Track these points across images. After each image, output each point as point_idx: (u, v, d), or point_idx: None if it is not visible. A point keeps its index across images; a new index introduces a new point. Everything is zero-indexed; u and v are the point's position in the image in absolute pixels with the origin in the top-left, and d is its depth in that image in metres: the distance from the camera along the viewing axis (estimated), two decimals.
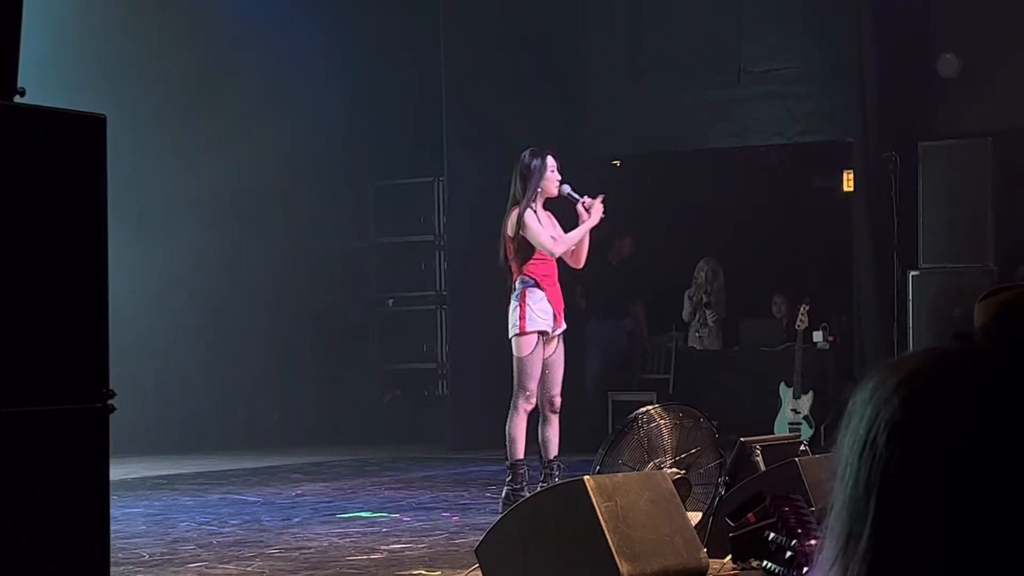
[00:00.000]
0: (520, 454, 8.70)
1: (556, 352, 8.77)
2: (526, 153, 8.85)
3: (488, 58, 13.75)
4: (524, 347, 8.61)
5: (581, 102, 14.62)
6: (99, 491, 4.09)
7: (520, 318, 8.62)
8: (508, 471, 8.75)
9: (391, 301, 15.90)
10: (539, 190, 8.70)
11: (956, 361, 1.23)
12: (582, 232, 8.77)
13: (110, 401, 4.11)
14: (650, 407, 7.82)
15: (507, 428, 8.70)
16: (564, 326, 8.81)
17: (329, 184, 15.39)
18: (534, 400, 8.66)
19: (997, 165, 11.76)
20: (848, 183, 13.68)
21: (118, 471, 10.70)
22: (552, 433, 8.76)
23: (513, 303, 8.71)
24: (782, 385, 12.68)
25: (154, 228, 13.52)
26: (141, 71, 13.30)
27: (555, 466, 8.74)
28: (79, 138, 4.11)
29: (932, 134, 12.35)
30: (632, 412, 7.62)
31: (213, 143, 13.91)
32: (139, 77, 13.22)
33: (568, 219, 9.00)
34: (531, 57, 13.98)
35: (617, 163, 15.49)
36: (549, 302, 8.69)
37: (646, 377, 14.34)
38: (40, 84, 4.36)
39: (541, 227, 8.67)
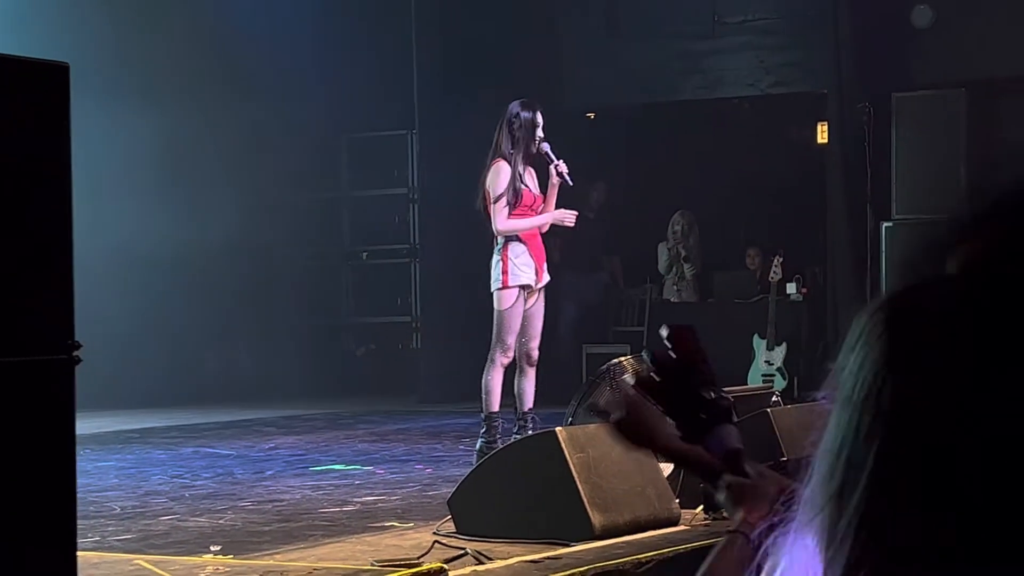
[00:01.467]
0: (495, 407, 8.68)
1: (536, 305, 8.71)
2: (515, 104, 8.71)
3: (461, 11, 13.67)
4: (505, 301, 8.56)
5: (556, 54, 14.56)
6: (65, 443, 4.06)
7: (503, 272, 8.56)
8: (483, 423, 8.72)
9: (365, 254, 15.86)
10: (524, 144, 8.56)
11: (942, 293, 1.19)
12: (533, 223, 8.64)
13: (76, 352, 4.08)
14: (622, 358, 7.83)
15: (483, 380, 8.67)
16: (547, 279, 8.75)
17: (302, 136, 15.31)
18: (512, 354, 8.62)
19: (970, 115, 11.76)
20: (822, 135, 13.67)
21: (91, 425, 10.72)
22: (528, 385, 8.73)
23: (495, 257, 8.63)
24: (755, 337, 12.70)
25: (125, 180, 13.43)
26: (104, 22, 13.15)
27: (529, 418, 8.71)
28: (42, 87, 4.06)
29: (906, 85, 12.34)
30: (605, 364, 7.62)
31: (184, 96, 13.81)
32: (101, 30, 13.07)
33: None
34: (505, 9, 13.90)
35: (591, 115, 15.44)
36: (531, 255, 8.62)
37: (620, 330, 14.35)
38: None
39: (498, 188, 8.55)
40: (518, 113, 8.62)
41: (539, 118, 8.63)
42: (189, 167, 14.02)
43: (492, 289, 8.64)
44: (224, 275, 14.55)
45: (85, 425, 9.78)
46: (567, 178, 8.63)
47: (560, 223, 8.69)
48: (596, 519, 6.08)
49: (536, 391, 8.86)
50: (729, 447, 1.82)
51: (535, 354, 8.72)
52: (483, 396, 8.66)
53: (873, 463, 1.13)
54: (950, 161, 11.64)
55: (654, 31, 14.18)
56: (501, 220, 8.55)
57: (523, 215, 8.59)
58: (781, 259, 12.72)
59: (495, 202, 8.51)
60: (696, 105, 14.56)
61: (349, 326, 15.93)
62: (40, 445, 4.00)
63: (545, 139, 8.65)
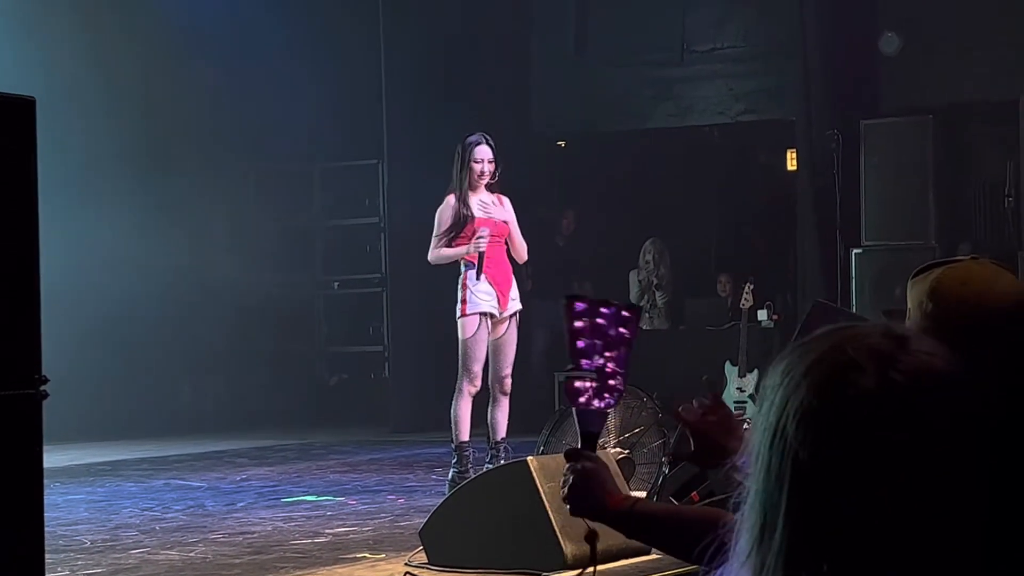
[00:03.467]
0: (465, 436, 8.67)
1: (507, 333, 8.72)
2: (467, 136, 8.86)
3: (431, 39, 13.69)
4: (466, 330, 8.61)
5: (526, 82, 14.59)
6: (33, 477, 4.03)
7: (461, 301, 8.65)
8: (454, 453, 8.72)
9: (336, 284, 15.83)
10: (467, 179, 8.68)
11: (865, 344, 1.21)
12: (452, 255, 8.73)
13: (43, 387, 4.06)
14: None
15: (452, 410, 8.67)
16: (515, 307, 8.77)
17: (274, 165, 15.29)
18: (479, 382, 8.64)
19: (938, 142, 11.83)
20: (791, 162, 13.73)
21: (61, 458, 10.66)
22: (501, 415, 8.73)
23: (458, 286, 8.74)
24: (727, 364, 12.71)
25: (95, 210, 13.39)
26: (79, 55, 13.13)
27: (501, 448, 8.72)
28: (8, 121, 4.04)
29: (874, 112, 12.41)
30: None
31: (155, 127, 13.78)
32: (76, 60, 13.05)
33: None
34: (475, 37, 13.93)
35: (562, 143, 15.48)
36: (490, 283, 8.67)
37: None
38: None
39: (443, 222, 8.68)
40: (466, 144, 8.74)
41: (478, 152, 8.70)
42: (160, 197, 13.97)
43: (456, 317, 8.71)
44: (195, 305, 14.51)
45: (55, 458, 9.74)
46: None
47: (477, 249, 8.70)
48: (568, 549, 6.06)
49: (508, 420, 8.87)
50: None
51: (508, 383, 8.72)
52: (452, 426, 8.66)
53: (787, 503, 1.15)
54: (919, 187, 11.70)
55: (624, 59, 14.23)
56: (433, 250, 8.76)
57: (487, 242, 8.68)
58: (752, 286, 12.74)
59: (434, 234, 8.69)
60: (666, 133, 14.61)
61: (321, 355, 15.89)
62: (7, 480, 3.97)
63: (496, 167, 8.73)
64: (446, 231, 8.68)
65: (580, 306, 1.94)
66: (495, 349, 8.68)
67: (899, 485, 1.13)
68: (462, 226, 8.65)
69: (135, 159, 13.63)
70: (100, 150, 13.37)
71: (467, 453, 8.67)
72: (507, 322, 8.72)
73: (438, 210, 8.76)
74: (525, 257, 9.05)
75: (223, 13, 13.90)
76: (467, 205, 8.66)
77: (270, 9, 14.21)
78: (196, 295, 14.46)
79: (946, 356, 1.23)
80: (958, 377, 1.20)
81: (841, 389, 1.17)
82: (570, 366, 1.96)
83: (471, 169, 8.68)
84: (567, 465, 2.00)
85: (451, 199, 8.71)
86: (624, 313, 1.97)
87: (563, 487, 2.01)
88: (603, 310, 1.95)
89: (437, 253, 8.77)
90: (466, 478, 8.46)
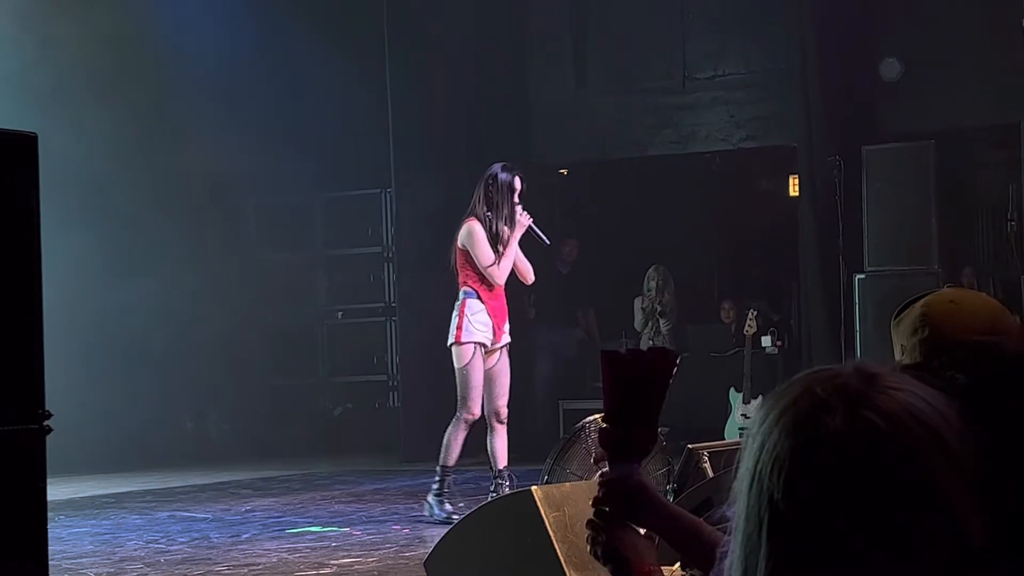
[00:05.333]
0: (452, 461, 8.86)
1: (499, 363, 8.82)
2: (496, 166, 8.90)
3: (433, 67, 13.72)
4: (462, 358, 8.69)
5: (527, 110, 14.62)
6: (36, 514, 4.03)
7: (456, 328, 8.71)
8: (437, 473, 8.92)
9: (340, 313, 15.84)
10: (503, 206, 8.69)
11: (834, 384, 1.21)
12: (512, 248, 8.74)
13: (46, 423, 4.06)
14: (598, 415, 7.81)
15: (445, 434, 8.88)
16: (506, 340, 8.83)
17: (277, 195, 15.32)
18: (477, 411, 8.72)
19: (940, 168, 11.84)
20: (793, 188, 13.74)
21: (65, 490, 10.65)
22: (500, 443, 8.79)
23: (454, 312, 8.79)
24: (731, 390, 12.71)
25: (99, 241, 13.39)
26: (80, 89, 13.16)
27: (505, 475, 8.77)
28: (10, 157, 4.06)
29: (875, 137, 12.43)
30: (580, 421, 7.61)
31: (158, 154, 13.81)
32: (78, 93, 13.08)
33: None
34: (477, 66, 13.97)
35: (564, 171, 15.50)
36: (489, 314, 8.74)
37: (597, 385, 14.30)
38: None
39: (483, 242, 8.67)
40: (496, 175, 8.76)
41: (517, 183, 8.76)
42: (164, 228, 13.99)
43: (448, 344, 8.75)
44: (199, 334, 14.51)
45: (59, 490, 9.74)
46: (543, 239, 8.81)
47: (523, 229, 8.72)
48: None
49: (511, 447, 8.92)
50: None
51: (504, 412, 8.81)
52: (442, 449, 8.86)
53: (767, 546, 1.15)
54: (921, 213, 11.70)
55: (625, 86, 14.26)
56: (495, 269, 8.67)
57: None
58: (756, 312, 12.75)
59: (488, 267, 8.61)
60: (668, 160, 14.63)
61: (325, 385, 15.88)
62: (10, 515, 3.97)
63: (523, 206, 8.76)
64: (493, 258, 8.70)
65: (615, 360, 1.95)
66: (489, 379, 8.77)
67: (870, 526, 1.13)
68: (495, 249, 8.73)
69: (137, 191, 13.65)
70: (103, 182, 13.38)
71: (448, 478, 8.87)
72: (498, 352, 8.83)
73: (462, 234, 8.73)
74: (532, 278, 9.11)
75: (225, 43, 13.95)
76: (498, 238, 8.68)
77: (274, 39, 14.25)
78: (200, 325, 14.46)
79: (919, 391, 1.22)
80: (930, 413, 1.19)
81: (811, 430, 1.16)
82: (604, 416, 1.97)
83: (507, 200, 8.70)
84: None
85: (477, 226, 8.71)
86: (658, 365, 1.97)
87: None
88: (640, 360, 1.96)
89: (506, 265, 8.71)
90: (444, 503, 8.78)
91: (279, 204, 15.31)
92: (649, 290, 14.55)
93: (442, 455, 8.82)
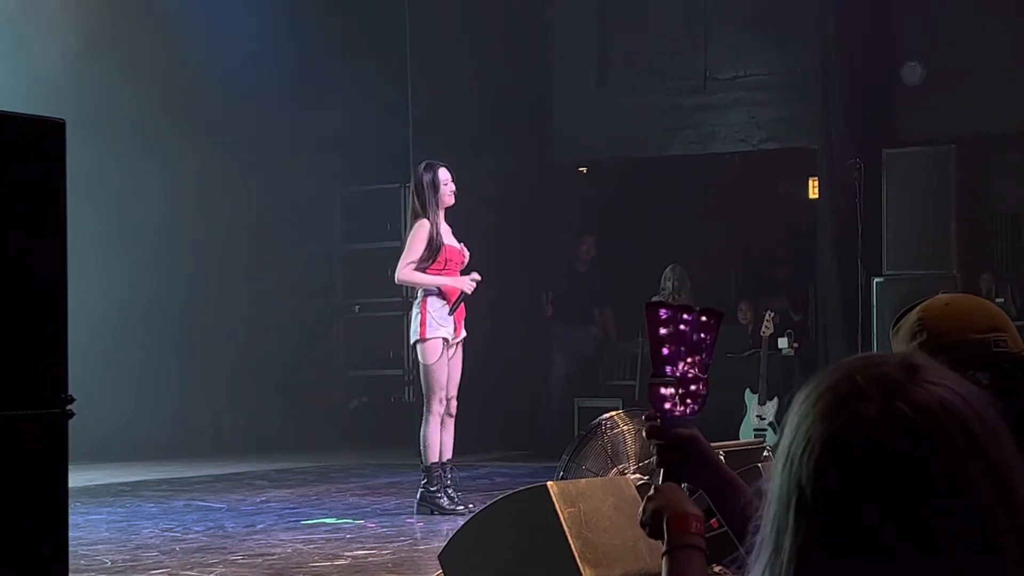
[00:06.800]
0: (435, 457, 9.01)
1: (455, 358, 9.01)
2: (419, 168, 9.08)
3: (454, 64, 13.74)
4: (430, 354, 8.84)
5: (548, 109, 14.64)
6: (58, 497, 4.07)
7: (420, 324, 8.86)
8: (423, 474, 9.06)
9: (357, 307, 15.87)
10: (436, 203, 8.89)
11: (875, 372, 1.22)
12: (435, 282, 8.86)
13: (69, 407, 4.09)
14: (614, 413, 7.84)
15: (421, 434, 9.02)
16: (463, 335, 8.99)
17: (295, 190, 15.35)
18: (444, 404, 8.89)
19: (960, 172, 11.82)
20: (813, 190, 13.73)
21: (82, 478, 10.69)
22: (448, 437, 9.07)
23: (415, 310, 9.00)
24: (747, 391, 12.70)
25: (118, 234, 13.45)
26: (103, 87, 13.19)
27: (448, 469, 9.07)
28: (38, 143, 4.09)
29: (896, 141, 12.42)
30: (597, 418, 7.63)
31: (177, 153, 13.85)
32: (102, 93, 13.10)
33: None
34: (497, 64, 13.99)
35: (583, 170, 15.52)
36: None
37: (612, 383, 14.35)
38: None
39: (420, 246, 8.81)
40: (420, 178, 8.97)
41: (442, 173, 8.98)
42: (182, 221, 14.04)
43: (411, 342, 8.98)
44: (216, 327, 14.56)
45: (76, 478, 9.73)
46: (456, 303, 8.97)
47: (460, 287, 8.89)
48: (588, 574, 6.07)
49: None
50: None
51: (454, 405, 9.06)
52: (421, 449, 9.01)
53: (794, 526, 1.16)
54: (940, 217, 11.69)
55: (646, 86, 14.27)
56: (404, 271, 8.88)
57: (445, 269, 8.90)
58: (773, 314, 12.75)
59: (402, 265, 8.86)
60: (688, 160, 14.64)
61: (341, 379, 15.92)
62: (33, 499, 4.00)
63: (455, 188, 8.89)
64: (421, 257, 8.83)
65: (663, 313, 2.00)
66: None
67: (901, 519, 1.13)
68: (436, 252, 8.85)
69: (158, 186, 13.69)
70: (120, 180, 13.43)
71: (437, 474, 9.01)
72: (455, 347, 8.98)
73: (413, 231, 8.94)
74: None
75: (247, 39, 13.96)
76: (438, 232, 8.80)
77: (296, 34, 14.28)
78: (217, 317, 14.51)
79: (959, 387, 1.21)
80: (964, 409, 1.19)
81: (844, 417, 1.17)
82: (653, 372, 2.03)
83: (442, 192, 8.87)
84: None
85: (426, 223, 8.87)
86: (704, 319, 2.04)
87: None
88: (685, 316, 2.02)
89: (410, 276, 8.92)
90: (435, 498, 8.92)
91: (298, 198, 15.34)
92: (665, 289, 14.55)
93: (423, 455, 9.01)
